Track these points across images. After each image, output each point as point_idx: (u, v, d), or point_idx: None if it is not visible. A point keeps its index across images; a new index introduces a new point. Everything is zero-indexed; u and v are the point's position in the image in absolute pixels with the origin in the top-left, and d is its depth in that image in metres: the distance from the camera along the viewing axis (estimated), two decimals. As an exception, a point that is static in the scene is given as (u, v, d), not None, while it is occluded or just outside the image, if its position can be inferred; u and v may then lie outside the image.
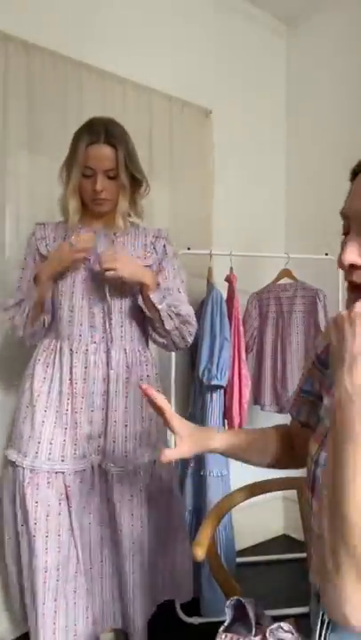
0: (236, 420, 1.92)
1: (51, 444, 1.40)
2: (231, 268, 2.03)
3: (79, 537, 1.42)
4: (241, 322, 2.00)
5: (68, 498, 1.40)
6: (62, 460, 1.39)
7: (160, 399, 0.94)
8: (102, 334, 1.46)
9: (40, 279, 1.44)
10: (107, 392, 1.45)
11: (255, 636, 0.76)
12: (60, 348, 1.46)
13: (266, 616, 0.82)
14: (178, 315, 1.47)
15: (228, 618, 0.81)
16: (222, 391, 1.93)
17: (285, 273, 2.22)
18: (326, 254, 2.16)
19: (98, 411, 1.45)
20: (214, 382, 1.85)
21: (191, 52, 2.30)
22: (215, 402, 1.91)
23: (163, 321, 1.45)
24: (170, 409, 0.96)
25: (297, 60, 2.68)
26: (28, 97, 1.76)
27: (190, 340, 1.54)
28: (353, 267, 0.73)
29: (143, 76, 2.06)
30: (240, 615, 0.81)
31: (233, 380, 1.92)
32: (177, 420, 0.95)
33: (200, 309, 1.98)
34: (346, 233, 0.76)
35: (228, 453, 0.99)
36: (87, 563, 1.45)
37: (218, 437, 0.98)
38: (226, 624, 0.80)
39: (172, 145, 2.15)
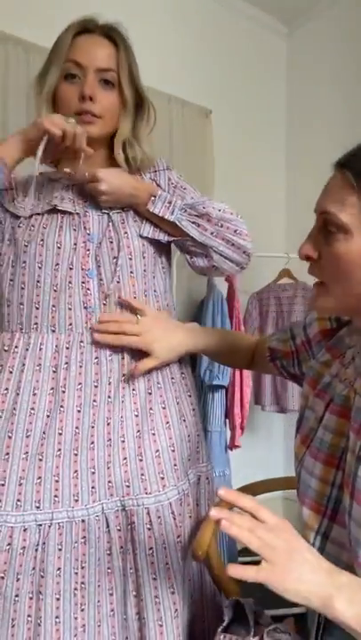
0: (238, 421, 1.92)
1: (20, 484, 0.91)
2: (231, 268, 2.03)
3: None
4: (241, 322, 2.00)
5: (42, 562, 0.88)
6: (37, 507, 0.90)
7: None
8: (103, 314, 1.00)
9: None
10: (115, 396, 0.99)
11: (254, 636, 0.76)
12: (36, 345, 0.98)
13: (265, 616, 0.82)
14: (203, 215, 1.02)
15: (226, 618, 0.81)
16: (224, 391, 1.93)
17: (285, 273, 2.22)
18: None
19: (101, 426, 0.96)
20: (216, 382, 1.86)
21: (191, 52, 2.30)
22: (217, 402, 1.91)
23: (187, 232, 1.01)
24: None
25: (297, 60, 2.67)
26: (27, 97, 1.76)
27: (244, 241, 1.06)
28: (310, 259, 0.73)
29: (143, 76, 2.05)
30: (239, 615, 0.81)
31: (234, 380, 1.92)
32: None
33: (200, 309, 1.98)
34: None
35: (206, 353, 1.10)
36: None
37: (190, 337, 1.05)
38: (224, 624, 0.80)
39: (172, 145, 2.15)
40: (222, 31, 2.42)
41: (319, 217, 0.72)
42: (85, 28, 1.02)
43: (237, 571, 0.58)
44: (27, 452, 0.93)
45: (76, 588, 0.89)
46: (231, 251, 1.04)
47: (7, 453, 0.93)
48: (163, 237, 1.04)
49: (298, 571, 0.58)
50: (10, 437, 0.93)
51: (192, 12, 2.31)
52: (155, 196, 1.01)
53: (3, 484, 0.91)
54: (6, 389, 0.97)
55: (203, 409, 1.93)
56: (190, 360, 2.10)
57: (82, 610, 0.89)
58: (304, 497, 0.73)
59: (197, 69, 2.31)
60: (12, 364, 0.98)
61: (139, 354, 1.01)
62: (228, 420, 1.95)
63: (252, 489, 1.24)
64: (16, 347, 0.99)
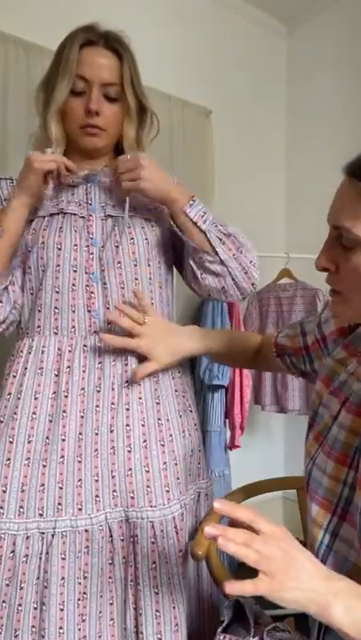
0: (238, 420, 1.92)
1: (22, 491, 0.91)
2: (231, 268, 2.03)
3: None
4: (241, 322, 2.01)
5: (45, 572, 0.88)
6: (40, 515, 0.90)
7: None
8: (106, 320, 0.99)
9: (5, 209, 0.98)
10: (119, 402, 0.97)
11: (254, 636, 0.75)
12: (38, 349, 0.98)
13: (265, 616, 0.82)
14: (229, 235, 1.02)
15: (226, 618, 0.81)
16: (223, 391, 1.93)
17: (285, 273, 2.22)
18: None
19: (105, 433, 0.95)
20: (216, 382, 1.86)
21: (191, 52, 2.30)
22: (217, 402, 1.91)
23: (213, 246, 1.00)
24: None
25: (297, 59, 2.67)
26: (27, 97, 1.76)
27: (255, 275, 1.06)
28: (327, 270, 0.73)
29: (143, 75, 2.05)
30: (239, 615, 0.81)
31: (234, 380, 1.92)
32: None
33: (200, 309, 1.98)
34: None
35: (208, 355, 1.05)
36: None
37: (192, 341, 1.02)
38: (224, 625, 0.80)
39: (172, 145, 2.15)
40: (222, 31, 2.42)
41: (333, 230, 0.71)
42: (89, 39, 1.03)
43: (235, 587, 0.57)
44: (28, 458, 0.92)
45: (79, 599, 0.88)
46: (243, 278, 1.04)
47: (8, 459, 0.92)
48: (183, 237, 1.02)
49: (296, 580, 0.58)
50: (11, 442, 0.93)
51: (192, 11, 2.31)
52: (194, 200, 1.01)
53: (4, 491, 0.90)
54: (9, 394, 0.97)
55: (203, 409, 1.93)
56: (190, 360, 2.11)
57: (83, 620, 0.88)
58: (314, 494, 0.73)
59: (197, 69, 2.31)
60: (16, 369, 0.98)
61: (143, 359, 1.00)
62: (227, 420, 1.95)
63: (252, 489, 1.25)
64: (21, 351, 1.00)
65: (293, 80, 2.69)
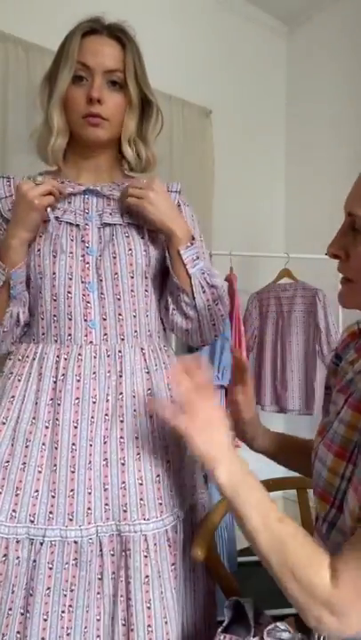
0: (237, 420, 1.92)
1: (16, 494, 0.90)
2: (231, 268, 2.03)
3: None
4: (241, 322, 2.01)
5: (31, 580, 0.87)
6: (32, 521, 0.89)
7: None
8: (102, 330, 0.98)
9: (3, 245, 0.97)
10: (113, 415, 0.96)
11: (254, 636, 0.76)
12: (41, 355, 0.98)
13: (265, 615, 0.82)
14: (212, 286, 1.02)
15: (226, 618, 0.81)
16: (224, 391, 1.93)
17: (285, 273, 2.22)
18: (326, 254, 2.16)
19: (98, 444, 0.94)
20: (216, 382, 1.85)
21: (191, 52, 2.30)
22: (217, 402, 1.91)
23: (193, 291, 1.00)
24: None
25: (297, 59, 2.67)
26: (27, 97, 1.76)
27: (221, 328, 1.07)
28: (338, 258, 0.76)
29: (143, 76, 2.06)
30: (239, 615, 0.81)
31: (234, 380, 1.92)
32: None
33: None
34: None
35: (267, 455, 1.07)
36: None
37: (261, 438, 1.05)
38: (224, 625, 0.80)
39: (172, 145, 2.15)
40: (222, 31, 2.42)
41: (347, 217, 0.73)
42: (92, 28, 1.01)
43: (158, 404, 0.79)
44: (24, 463, 0.92)
45: (63, 611, 0.87)
46: (210, 329, 1.05)
47: (7, 461, 0.92)
48: (171, 272, 1.01)
49: (206, 437, 0.74)
50: (12, 445, 0.93)
51: (192, 11, 2.31)
52: (193, 240, 1.00)
53: (0, 492, 0.90)
54: (12, 397, 0.97)
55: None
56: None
57: (68, 634, 0.86)
58: (316, 486, 0.76)
59: (197, 69, 2.31)
60: (21, 372, 0.99)
61: (139, 372, 0.99)
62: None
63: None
64: (27, 356, 1.00)
65: (293, 80, 2.69)
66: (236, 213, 2.45)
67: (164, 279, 1.08)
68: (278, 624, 0.76)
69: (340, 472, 0.71)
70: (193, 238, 1.00)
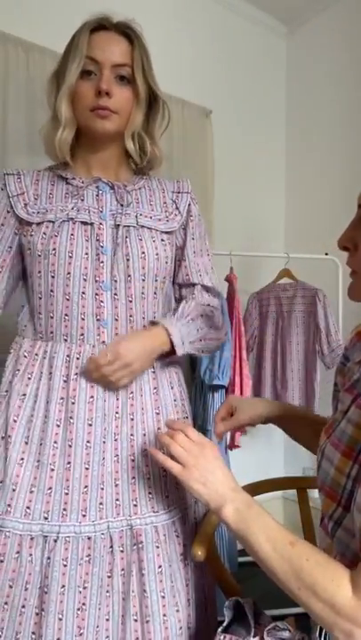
0: (237, 420, 1.92)
1: (31, 492, 0.92)
2: (231, 268, 2.03)
3: None
4: (241, 322, 2.01)
5: (45, 578, 0.88)
6: (45, 518, 0.91)
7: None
8: (114, 330, 1.00)
9: None
10: (123, 413, 0.99)
11: (254, 636, 0.76)
12: (51, 354, 0.99)
13: (265, 615, 0.82)
14: (206, 340, 1.08)
15: (226, 619, 0.81)
16: (224, 391, 1.93)
17: (285, 273, 2.22)
18: (326, 254, 2.16)
19: (110, 441, 0.96)
20: (216, 382, 1.85)
21: (191, 52, 2.30)
22: (217, 402, 1.91)
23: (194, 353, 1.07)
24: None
25: (297, 59, 2.67)
26: (27, 97, 1.76)
27: (223, 335, 1.14)
28: (347, 250, 0.76)
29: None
30: (239, 616, 0.81)
31: (234, 379, 1.92)
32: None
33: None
34: None
35: (276, 423, 1.07)
36: None
37: (266, 407, 1.06)
38: (224, 625, 0.80)
39: (172, 145, 2.15)
40: (222, 31, 2.42)
41: (359, 210, 0.75)
42: (101, 24, 1.02)
43: (159, 457, 0.82)
44: (39, 460, 0.94)
45: (78, 609, 0.87)
46: (211, 351, 1.14)
47: (22, 459, 0.94)
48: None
49: (204, 478, 0.78)
50: (26, 443, 0.95)
51: (192, 12, 2.31)
52: (172, 343, 0.99)
53: (14, 490, 0.92)
54: (24, 395, 0.98)
55: (203, 409, 1.93)
56: (190, 360, 2.11)
57: (80, 634, 0.87)
58: (323, 484, 0.76)
59: (197, 69, 2.31)
60: (32, 371, 0.99)
61: (146, 371, 1.02)
62: (228, 420, 1.95)
63: (252, 489, 1.24)
64: (36, 354, 1.00)
65: (293, 80, 2.69)
66: (236, 213, 2.45)
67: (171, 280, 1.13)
68: (278, 624, 0.76)
69: (347, 471, 0.71)
70: (172, 343, 0.99)
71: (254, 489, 1.24)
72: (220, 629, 0.80)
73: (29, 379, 0.98)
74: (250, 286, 2.28)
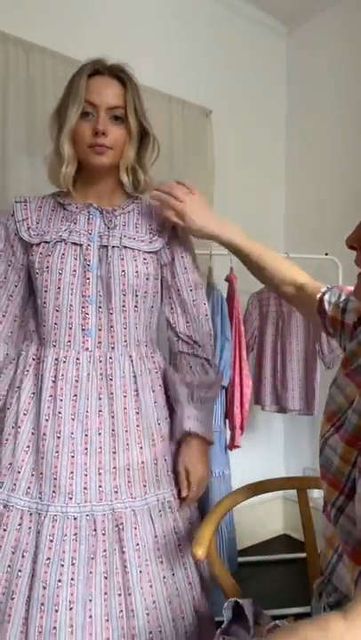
0: (238, 420, 1.92)
1: (32, 475, 1.10)
2: (231, 268, 2.03)
3: (43, 617, 0.99)
4: (241, 322, 2.00)
5: (36, 548, 1.04)
6: (40, 498, 1.08)
7: None
8: (97, 339, 1.15)
9: None
10: (105, 411, 1.13)
11: (254, 637, 0.76)
12: (43, 358, 1.15)
13: (265, 615, 0.82)
14: (206, 392, 1.23)
15: (226, 619, 0.81)
16: (223, 391, 1.93)
17: (286, 273, 2.21)
18: (326, 254, 2.16)
19: (94, 435, 1.12)
20: (215, 382, 1.85)
21: (191, 52, 2.30)
22: (217, 402, 1.91)
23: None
24: None
25: (297, 60, 2.67)
26: (27, 97, 1.76)
27: (219, 384, 1.33)
28: (354, 249, 0.76)
29: (143, 76, 2.05)
30: (238, 616, 0.81)
31: (234, 379, 1.92)
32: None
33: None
34: None
35: (241, 254, 1.24)
36: None
37: (230, 229, 1.21)
38: (224, 626, 0.80)
39: (172, 145, 2.15)
40: (222, 31, 2.42)
41: None
42: (96, 69, 1.15)
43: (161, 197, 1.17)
44: (37, 449, 1.11)
45: (59, 580, 1.01)
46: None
47: (28, 446, 1.12)
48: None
49: (203, 210, 1.10)
50: (33, 434, 1.13)
51: (192, 12, 2.31)
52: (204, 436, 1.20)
53: (19, 472, 1.10)
54: (33, 393, 1.15)
55: (203, 409, 1.93)
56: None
57: (70, 609, 1.00)
58: (326, 472, 0.77)
59: (197, 69, 2.31)
60: (36, 372, 1.16)
61: (127, 375, 1.15)
62: (227, 420, 1.95)
63: (252, 489, 1.24)
64: (38, 358, 1.17)
65: (293, 80, 2.69)
66: (237, 213, 2.44)
67: (156, 294, 1.25)
68: (277, 622, 0.76)
69: (351, 460, 0.71)
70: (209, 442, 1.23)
71: (254, 489, 1.24)
72: (219, 630, 0.80)
73: (35, 377, 1.15)
74: (250, 286, 2.27)
